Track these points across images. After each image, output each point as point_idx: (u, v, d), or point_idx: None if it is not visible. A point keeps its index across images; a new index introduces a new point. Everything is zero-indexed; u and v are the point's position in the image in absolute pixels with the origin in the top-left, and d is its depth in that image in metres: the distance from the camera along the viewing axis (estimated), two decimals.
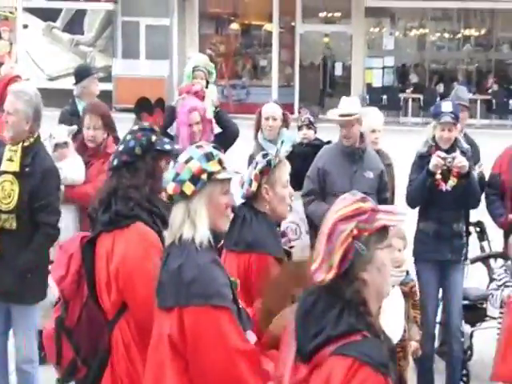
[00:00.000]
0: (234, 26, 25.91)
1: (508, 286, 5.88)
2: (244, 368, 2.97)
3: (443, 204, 5.97)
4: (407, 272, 5.74)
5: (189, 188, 3.11)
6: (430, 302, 6.07)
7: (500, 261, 6.66)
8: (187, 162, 3.16)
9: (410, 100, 24.23)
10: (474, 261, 6.87)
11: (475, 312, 6.66)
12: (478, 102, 24.40)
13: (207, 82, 6.95)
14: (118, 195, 3.61)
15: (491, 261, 7.08)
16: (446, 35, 27.11)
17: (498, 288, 5.90)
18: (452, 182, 5.92)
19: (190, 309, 2.98)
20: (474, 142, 6.95)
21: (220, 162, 3.18)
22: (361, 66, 24.50)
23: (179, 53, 24.05)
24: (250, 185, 4.05)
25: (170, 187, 3.15)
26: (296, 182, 6.42)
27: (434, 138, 6.07)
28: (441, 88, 24.58)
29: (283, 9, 24.95)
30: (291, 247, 5.68)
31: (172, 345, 3.01)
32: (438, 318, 6.43)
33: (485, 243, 7.16)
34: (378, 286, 2.47)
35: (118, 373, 3.53)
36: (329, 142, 6.65)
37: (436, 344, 6.47)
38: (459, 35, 26.28)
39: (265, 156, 4.09)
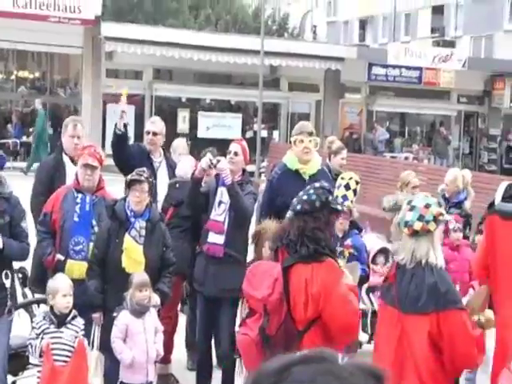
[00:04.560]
0: None
1: (47, 333, 5.62)
2: (475, 354, 4.35)
3: None
4: None
5: (432, 226, 4.38)
6: None
7: (43, 306, 6.44)
8: (427, 207, 4.41)
9: None
10: (17, 307, 6.43)
11: (17, 361, 6.27)
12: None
13: None
14: (307, 235, 4.60)
15: (34, 307, 6.73)
16: (0, 76, 26.36)
17: (37, 337, 5.65)
18: None
19: (446, 312, 4.27)
20: None
21: (441, 207, 4.69)
22: None
23: None
24: None
25: (418, 225, 4.36)
26: None
27: None
28: None
29: None
30: None
31: (430, 338, 4.26)
32: None
33: (26, 289, 6.79)
34: None
35: None
36: None
37: None
38: (14, 76, 25.68)
39: None
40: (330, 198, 4.77)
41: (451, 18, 41.03)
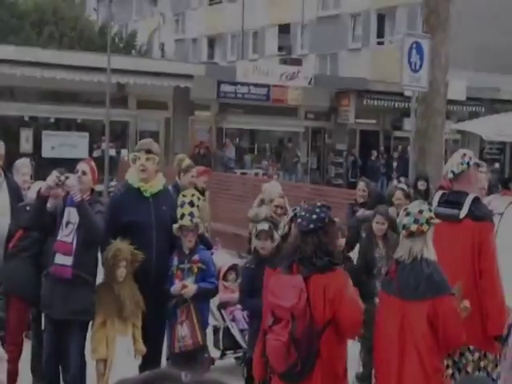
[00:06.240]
0: None
1: None
2: (464, 333, 5.22)
3: None
4: None
5: (426, 227, 5.27)
6: None
7: None
8: (421, 212, 5.29)
9: None
10: None
11: None
12: None
13: None
14: (322, 249, 5.15)
15: None
16: None
17: None
18: None
19: (441, 297, 5.13)
20: None
21: (431, 212, 5.38)
22: None
23: None
24: (285, 228, 6.13)
25: (414, 227, 5.25)
26: None
27: None
28: None
29: None
30: None
31: (428, 320, 5.13)
32: None
33: None
34: None
35: (325, 364, 5.11)
36: None
37: None
38: None
39: (294, 210, 5.92)
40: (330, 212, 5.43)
41: (297, 36, 42.06)
